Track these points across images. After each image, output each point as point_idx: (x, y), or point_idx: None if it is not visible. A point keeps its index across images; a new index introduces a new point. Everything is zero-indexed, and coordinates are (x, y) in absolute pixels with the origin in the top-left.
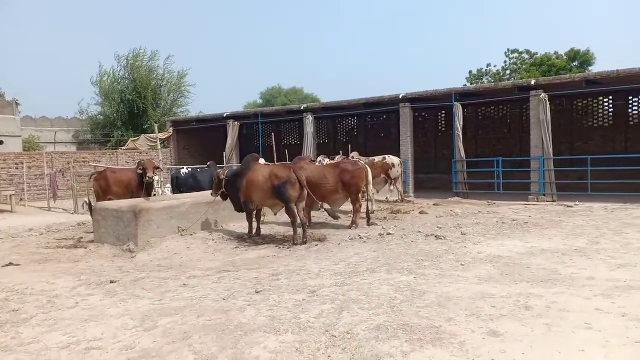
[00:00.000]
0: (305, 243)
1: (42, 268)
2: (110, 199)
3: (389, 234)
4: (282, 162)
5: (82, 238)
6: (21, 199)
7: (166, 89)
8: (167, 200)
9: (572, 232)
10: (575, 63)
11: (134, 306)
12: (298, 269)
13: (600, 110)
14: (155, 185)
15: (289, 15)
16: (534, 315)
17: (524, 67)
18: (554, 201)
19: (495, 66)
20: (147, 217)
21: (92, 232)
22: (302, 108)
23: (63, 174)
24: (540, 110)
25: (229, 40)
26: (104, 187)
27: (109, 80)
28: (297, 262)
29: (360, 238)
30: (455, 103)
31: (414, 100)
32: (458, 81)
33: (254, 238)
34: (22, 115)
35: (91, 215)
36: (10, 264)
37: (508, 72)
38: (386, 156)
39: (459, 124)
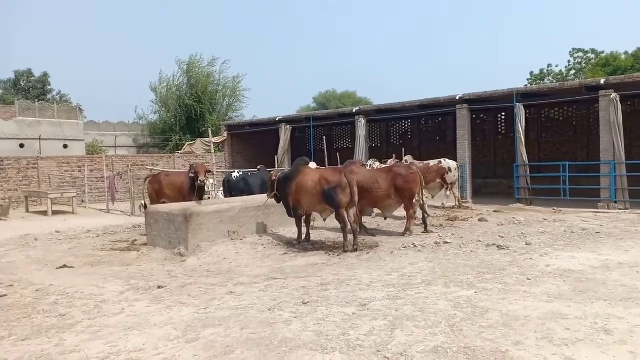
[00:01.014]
0: (355, 250)
1: (94, 271)
2: (163, 202)
3: (446, 242)
4: (333, 165)
5: (136, 240)
6: (82, 201)
7: (222, 94)
8: (217, 204)
9: None
10: None
11: (178, 314)
12: (348, 278)
13: None
14: (209, 188)
15: (340, 19)
16: (615, 341)
17: (588, 67)
18: (626, 209)
19: (557, 66)
20: (197, 220)
21: (146, 235)
22: (354, 111)
23: (122, 177)
24: (611, 111)
25: (284, 45)
26: (157, 190)
27: (166, 87)
28: (347, 271)
29: (415, 246)
30: (517, 104)
31: (472, 101)
32: (519, 82)
33: (303, 244)
34: (86, 120)
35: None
36: (65, 266)
37: (572, 72)
38: (442, 160)
39: (520, 126)
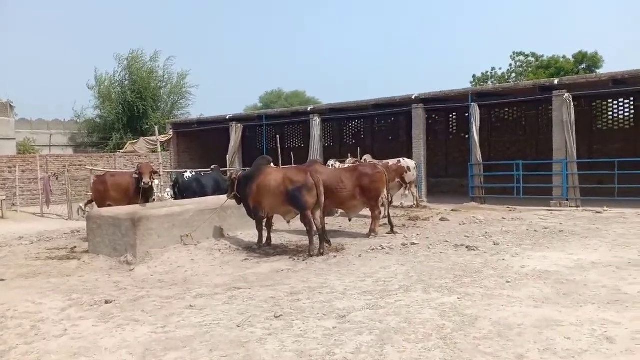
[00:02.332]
0: (322, 254)
1: (29, 284)
2: (109, 205)
3: (413, 243)
4: (287, 165)
5: (75, 247)
6: (13, 204)
7: (166, 91)
8: (168, 206)
9: (615, 241)
10: (583, 65)
11: (132, 335)
12: (319, 286)
13: (621, 112)
14: (155, 189)
15: (288, 15)
16: (622, 351)
17: (530, 69)
18: (577, 206)
19: (500, 69)
20: (147, 225)
21: (87, 241)
22: (308, 109)
23: (57, 178)
24: (564, 111)
25: (225, 42)
26: (103, 191)
27: (106, 83)
28: (317, 277)
29: (382, 248)
30: (472, 104)
31: (427, 100)
32: (461, 85)
33: (264, 248)
34: (18, 118)
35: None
36: None
37: (513, 75)
38: (401, 159)
39: (475, 125)
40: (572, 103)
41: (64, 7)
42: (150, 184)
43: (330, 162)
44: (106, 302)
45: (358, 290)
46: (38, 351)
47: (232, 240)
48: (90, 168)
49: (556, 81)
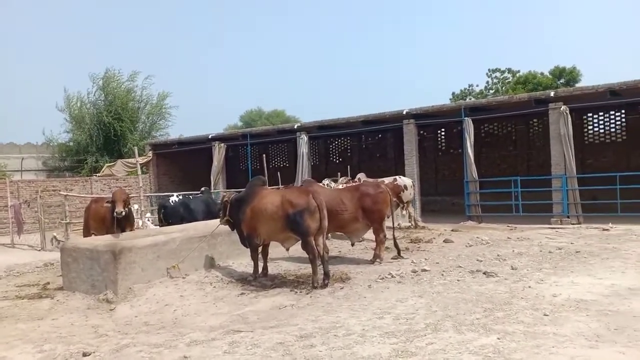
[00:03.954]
0: (326, 286)
1: None
2: (93, 234)
3: (424, 270)
4: (274, 187)
5: (48, 284)
6: None
7: (144, 111)
8: (152, 235)
9: None
10: (561, 80)
11: None
12: (332, 326)
13: (613, 125)
14: (135, 215)
15: (267, 33)
16: None
17: (508, 85)
18: (580, 223)
19: (477, 85)
20: (129, 257)
21: (61, 276)
22: (295, 127)
23: (29, 205)
24: (561, 124)
25: (201, 62)
26: (85, 220)
27: (78, 104)
28: (327, 315)
29: (393, 277)
30: (466, 118)
31: (418, 116)
32: (441, 102)
33: (260, 280)
34: None
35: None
36: None
37: (491, 91)
38: (397, 177)
39: (469, 140)
40: (569, 116)
41: (33, 23)
42: (123, 213)
43: (325, 182)
44: (84, 355)
45: (379, 331)
46: None
47: (224, 271)
48: (65, 194)
49: (552, 93)
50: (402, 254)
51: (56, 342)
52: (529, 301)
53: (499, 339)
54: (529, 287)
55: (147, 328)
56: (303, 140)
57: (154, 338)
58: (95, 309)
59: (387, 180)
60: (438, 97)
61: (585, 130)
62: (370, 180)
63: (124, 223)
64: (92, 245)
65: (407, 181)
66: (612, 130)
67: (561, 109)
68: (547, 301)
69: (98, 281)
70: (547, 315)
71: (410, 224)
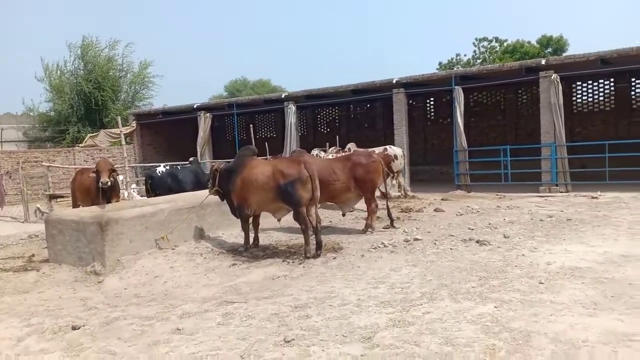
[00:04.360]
0: (319, 256)
1: None
2: (79, 206)
3: (417, 239)
4: (261, 157)
5: (34, 256)
6: None
7: (127, 80)
8: (139, 206)
9: (631, 230)
10: (549, 49)
11: None
12: (327, 296)
13: (601, 94)
14: (120, 186)
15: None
16: None
17: (495, 55)
18: (568, 191)
19: (465, 55)
20: (116, 229)
21: (46, 247)
22: (283, 96)
23: (10, 176)
24: (552, 93)
25: (186, 30)
26: (72, 191)
27: (57, 73)
28: (321, 285)
29: (385, 246)
30: (456, 87)
31: (408, 85)
32: (428, 72)
33: (251, 250)
34: None
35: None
36: None
37: (478, 61)
38: (387, 147)
39: (459, 109)
40: (560, 84)
41: None
42: (109, 183)
43: (315, 152)
44: (73, 328)
45: (374, 301)
46: None
47: (214, 242)
48: (47, 164)
49: (543, 61)
50: (394, 224)
51: (44, 316)
52: (524, 269)
53: (496, 307)
54: (523, 255)
55: (138, 300)
56: (291, 110)
57: (144, 310)
58: (82, 281)
59: (378, 150)
60: (425, 67)
61: (574, 99)
62: (361, 150)
63: (110, 194)
64: (78, 216)
65: (397, 151)
66: (601, 99)
67: (552, 77)
68: (542, 269)
69: (85, 253)
70: (543, 283)
71: (400, 194)
